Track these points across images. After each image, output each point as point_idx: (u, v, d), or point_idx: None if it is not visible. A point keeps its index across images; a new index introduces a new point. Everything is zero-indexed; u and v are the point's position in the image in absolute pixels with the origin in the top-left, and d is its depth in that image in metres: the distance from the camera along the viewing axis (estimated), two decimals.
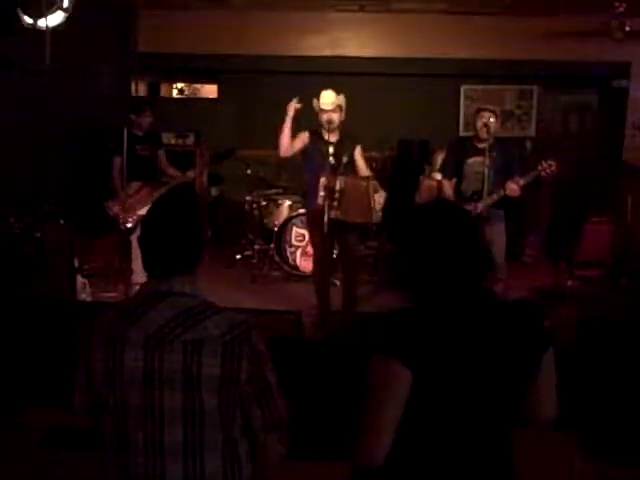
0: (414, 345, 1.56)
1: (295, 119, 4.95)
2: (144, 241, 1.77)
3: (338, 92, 4.96)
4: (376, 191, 4.77)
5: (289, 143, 4.94)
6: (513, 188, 4.63)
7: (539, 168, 4.66)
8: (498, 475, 1.67)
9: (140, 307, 1.73)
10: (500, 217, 4.84)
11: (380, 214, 4.79)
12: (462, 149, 4.93)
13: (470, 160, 4.80)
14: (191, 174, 6.26)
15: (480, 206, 4.66)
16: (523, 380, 1.67)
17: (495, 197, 4.70)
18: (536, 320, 1.69)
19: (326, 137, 4.91)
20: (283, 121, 4.94)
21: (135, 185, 5.74)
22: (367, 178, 4.90)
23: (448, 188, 4.93)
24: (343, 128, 5.01)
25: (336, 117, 4.89)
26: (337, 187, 4.66)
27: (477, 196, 4.72)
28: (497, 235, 4.71)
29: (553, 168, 4.62)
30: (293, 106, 4.92)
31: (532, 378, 1.68)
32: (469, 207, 4.60)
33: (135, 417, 1.69)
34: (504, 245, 4.80)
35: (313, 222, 4.99)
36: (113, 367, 1.68)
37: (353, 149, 5.01)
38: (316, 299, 5.08)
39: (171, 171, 6.11)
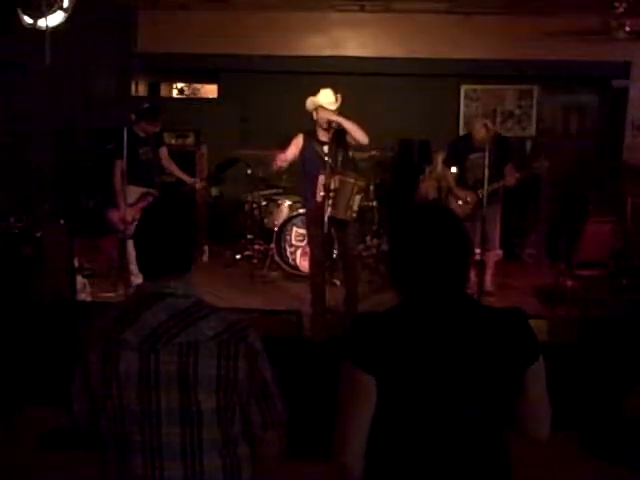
0: (376, 351, 1.57)
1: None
2: (138, 243, 1.78)
3: (337, 92, 4.89)
4: (359, 192, 4.82)
5: (285, 162, 5.03)
6: (509, 180, 5.51)
7: (533, 166, 5.51)
8: (481, 476, 1.64)
9: (134, 309, 1.73)
10: (497, 201, 5.65)
11: (354, 214, 4.87)
12: (465, 145, 5.75)
13: (472, 155, 5.56)
14: (199, 185, 6.23)
15: (483, 191, 5.20)
16: (501, 387, 1.62)
17: (495, 186, 5.43)
18: (520, 330, 1.63)
19: (321, 137, 4.85)
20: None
21: (136, 193, 5.62)
22: (356, 177, 4.85)
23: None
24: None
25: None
26: (332, 186, 4.73)
27: (479, 184, 5.27)
28: (492, 215, 5.50)
29: (546, 164, 5.41)
30: (277, 164, 5.02)
31: (514, 386, 1.63)
32: (472, 194, 5.56)
33: (133, 419, 1.69)
34: (498, 224, 5.76)
35: (312, 220, 4.97)
36: (109, 370, 1.68)
37: (344, 138, 4.83)
38: (311, 297, 5.02)
39: (173, 168, 6.05)
